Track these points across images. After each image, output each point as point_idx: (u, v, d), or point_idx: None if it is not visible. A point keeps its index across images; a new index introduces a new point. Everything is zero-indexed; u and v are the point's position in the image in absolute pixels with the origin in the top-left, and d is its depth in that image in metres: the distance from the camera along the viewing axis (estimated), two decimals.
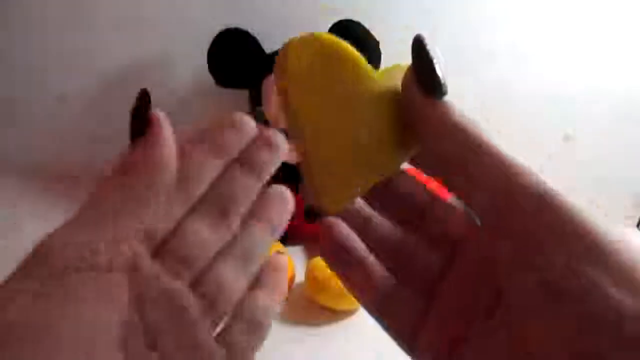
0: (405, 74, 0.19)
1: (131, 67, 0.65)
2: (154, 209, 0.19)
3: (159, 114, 0.20)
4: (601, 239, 0.15)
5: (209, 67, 0.57)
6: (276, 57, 0.20)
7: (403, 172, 0.22)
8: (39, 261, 0.18)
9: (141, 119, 0.20)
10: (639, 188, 0.76)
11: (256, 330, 0.22)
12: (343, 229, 0.22)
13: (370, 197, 0.22)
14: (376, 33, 0.58)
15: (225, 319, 0.22)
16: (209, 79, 0.58)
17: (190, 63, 0.62)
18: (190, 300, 0.20)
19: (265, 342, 0.22)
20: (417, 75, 0.19)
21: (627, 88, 0.69)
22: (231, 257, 0.21)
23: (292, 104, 0.19)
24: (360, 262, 0.22)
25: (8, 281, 0.17)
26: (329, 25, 0.58)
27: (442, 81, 0.19)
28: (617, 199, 0.76)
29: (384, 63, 0.58)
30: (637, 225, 0.77)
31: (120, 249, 0.18)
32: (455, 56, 0.67)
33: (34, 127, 0.69)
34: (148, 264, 0.19)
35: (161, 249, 0.20)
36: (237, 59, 0.57)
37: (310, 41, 0.20)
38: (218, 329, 0.21)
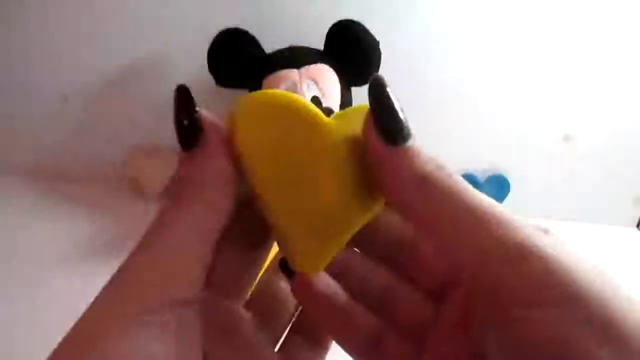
0: (365, 120, 0.17)
1: (131, 67, 0.65)
2: (211, 245, 0.17)
3: (211, 119, 0.18)
4: (584, 292, 0.14)
5: (209, 67, 0.57)
6: (226, 122, 0.19)
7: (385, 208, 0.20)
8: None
9: (190, 127, 0.17)
10: (639, 188, 0.76)
11: (318, 342, 0.21)
12: (321, 279, 0.20)
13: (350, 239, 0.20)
14: (376, 33, 0.58)
15: (285, 333, 0.21)
16: (209, 79, 0.58)
17: (190, 63, 0.62)
18: (245, 316, 0.19)
19: None
20: (376, 121, 0.17)
21: (626, 87, 0.69)
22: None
23: (247, 170, 0.18)
24: (342, 310, 0.20)
25: None
26: (329, 25, 0.58)
27: (404, 124, 0.17)
28: (617, 199, 0.76)
29: (384, 63, 0.58)
30: (637, 225, 0.77)
31: (172, 296, 0.16)
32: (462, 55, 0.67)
33: (34, 127, 0.69)
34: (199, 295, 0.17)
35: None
36: (237, 59, 0.57)
37: (256, 104, 0.19)
38: (279, 345, 0.21)
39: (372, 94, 0.17)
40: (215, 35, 0.56)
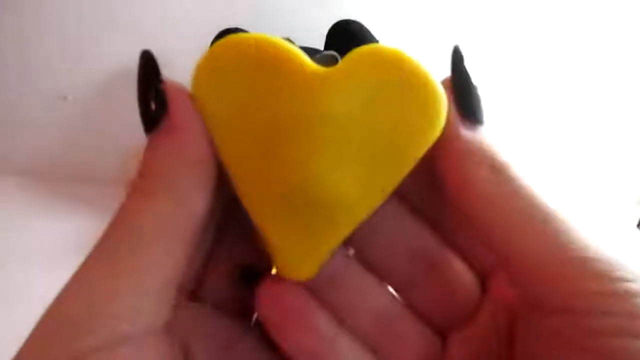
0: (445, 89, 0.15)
1: (131, 67, 0.65)
2: (191, 242, 0.14)
3: (178, 87, 0.14)
4: None
5: None
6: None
7: (395, 202, 0.16)
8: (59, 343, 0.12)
9: (155, 99, 0.14)
10: (639, 188, 0.76)
11: None
12: (297, 296, 0.15)
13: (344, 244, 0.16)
14: (376, 33, 0.58)
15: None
16: None
17: (190, 63, 0.62)
18: (247, 330, 0.16)
19: None
20: (458, 93, 0.15)
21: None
22: None
23: (217, 150, 0.14)
24: (325, 342, 0.15)
25: None
26: (329, 25, 0.58)
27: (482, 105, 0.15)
28: (618, 199, 0.76)
29: None
30: (638, 225, 0.77)
31: (147, 310, 0.13)
32: None
33: (34, 127, 0.69)
34: (185, 312, 0.15)
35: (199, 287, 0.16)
36: None
37: (218, 58, 0.14)
38: None
39: (454, 65, 0.15)
40: (215, 35, 0.56)
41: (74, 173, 0.71)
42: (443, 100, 0.14)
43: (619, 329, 0.12)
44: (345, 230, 0.15)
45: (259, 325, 0.16)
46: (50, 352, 0.12)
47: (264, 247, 0.16)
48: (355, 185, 0.14)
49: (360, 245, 0.16)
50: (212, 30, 0.56)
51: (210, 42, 0.56)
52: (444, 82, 0.15)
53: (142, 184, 0.14)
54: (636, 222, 0.77)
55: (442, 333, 0.16)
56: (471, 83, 0.15)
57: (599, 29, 0.66)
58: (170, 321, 0.14)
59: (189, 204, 0.14)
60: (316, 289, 0.16)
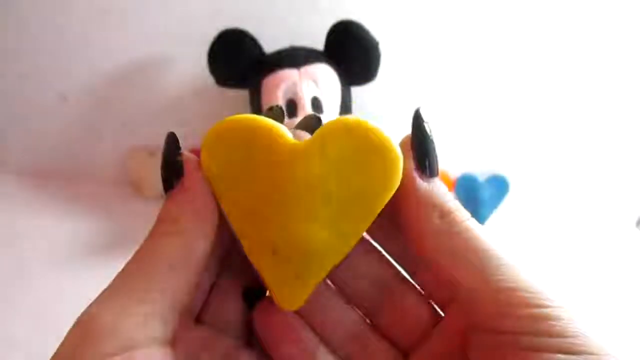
0: (403, 145, 0.18)
1: (131, 67, 0.65)
2: (196, 276, 0.17)
3: (191, 158, 0.18)
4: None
5: (209, 67, 0.57)
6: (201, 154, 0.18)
7: (364, 242, 0.20)
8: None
9: (172, 169, 0.18)
10: (639, 188, 0.76)
11: None
12: (285, 315, 0.20)
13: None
14: (376, 33, 0.58)
15: None
16: (209, 79, 0.58)
17: (190, 63, 0.62)
18: (246, 350, 0.20)
19: None
20: (416, 150, 0.18)
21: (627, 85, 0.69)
22: None
23: (221, 204, 0.18)
24: (308, 353, 0.20)
25: None
26: (329, 25, 0.58)
27: (437, 159, 0.18)
28: (617, 199, 0.76)
29: (384, 63, 0.58)
30: (637, 225, 0.77)
31: (154, 329, 0.16)
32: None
33: (34, 127, 0.69)
34: (191, 333, 0.18)
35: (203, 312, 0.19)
36: (237, 59, 0.57)
37: (219, 133, 0.18)
38: None
39: (415, 127, 0.18)
40: (215, 35, 0.56)
41: (74, 173, 0.71)
42: (400, 162, 0.17)
43: (542, 346, 0.15)
44: (326, 270, 0.18)
45: (258, 343, 0.20)
46: (79, 354, 0.15)
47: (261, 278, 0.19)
48: (332, 234, 0.17)
49: (334, 274, 0.19)
50: (212, 31, 0.56)
51: (210, 42, 0.57)
52: (404, 139, 0.18)
53: (159, 227, 0.18)
54: (635, 222, 0.77)
55: (404, 352, 0.20)
56: (429, 142, 0.18)
57: (596, 28, 0.66)
58: (177, 338, 0.17)
59: (192, 243, 0.17)
60: (300, 310, 0.19)
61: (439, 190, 0.18)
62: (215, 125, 0.18)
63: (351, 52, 0.58)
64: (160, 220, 0.18)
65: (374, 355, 0.20)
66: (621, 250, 0.71)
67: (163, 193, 0.18)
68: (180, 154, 0.18)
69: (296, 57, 0.57)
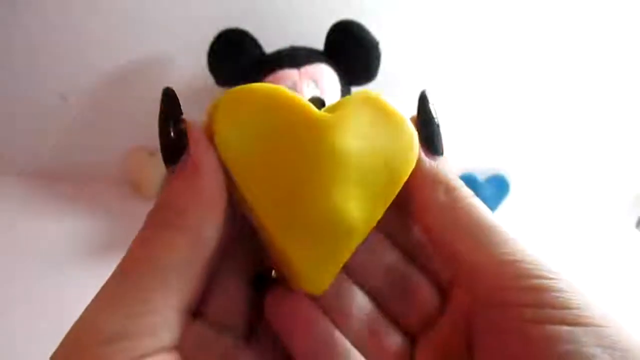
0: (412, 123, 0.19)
1: (131, 67, 0.65)
2: (200, 271, 0.16)
3: (197, 127, 0.16)
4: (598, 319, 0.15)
5: (209, 67, 0.57)
6: (204, 127, 0.16)
7: (372, 234, 0.18)
8: None
9: (175, 131, 0.15)
10: (639, 188, 0.76)
11: None
12: (301, 300, 0.18)
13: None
14: (376, 33, 0.58)
15: None
16: (209, 79, 0.58)
17: (190, 63, 0.62)
18: (246, 345, 0.18)
19: None
20: (422, 128, 0.19)
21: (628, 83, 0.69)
22: None
23: (234, 181, 0.16)
24: (324, 343, 0.18)
25: None
26: (329, 25, 0.58)
27: (442, 138, 0.19)
28: (617, 199, 0.76)
29: (384, 63, 0.58)
30: (637, 226, 0.77)
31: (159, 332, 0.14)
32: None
33: (34, 127, 0.69)
34: (190, 329, 0.16)
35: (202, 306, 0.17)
36: (237, 59, 0.57)
37: (233, 102, 0.16)
38: None
39: (420, 106, 0.19)
40: (215, 35, 0.56)
41: (73, 173, 0.71)
42: (415, 135, 0.18)
43: (546, 318, 0.15)
44: (351, 249, 0.17)
45: (259, 338, 0.19)
46: (79, 354, 0.14)
47: (275, 266, 0.18)
48: (362, 208, 0.17)
49: (347, 262, 0.18)
50: (212, 31, 0.56)
51: (210, 42, 0.57)
52: (411, 120, 0.19)
53: (158, 216, 0.15)
54: (635, 222, 0.77)
55: (411, 336, 0.19)
56: (434, 122, 0.19)
57: (596, 26, 0.66)
58: (180, 338, 0.15)
59: (200, 239, 0.15)
60: (315, 296, 0.18)
61: (444, 167, 0.18)
62: (232, 90, 0.16)
63: (351, 52, 0.58)
64: (162, 207, 0.15)
65: (385, 342, 0.19)
66: (621, 251, 0.71)
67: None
68: (183, 119, 0.16)
69: (296, 57, 0.57)
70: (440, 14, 0.64)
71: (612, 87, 0.69)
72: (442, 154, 0.19)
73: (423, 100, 0.19)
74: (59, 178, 0.70)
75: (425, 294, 0.20)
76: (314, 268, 0.17)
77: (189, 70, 0.64)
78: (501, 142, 0.72)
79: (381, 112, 0.17)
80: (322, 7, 0.62)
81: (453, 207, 0.17)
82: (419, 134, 0.18)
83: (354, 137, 0.17)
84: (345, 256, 0.17)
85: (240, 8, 0.62)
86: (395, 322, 0.20)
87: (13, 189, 0.68)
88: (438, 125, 0.19)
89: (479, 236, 0.17)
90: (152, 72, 0.65)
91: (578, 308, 0.15)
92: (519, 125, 0.71)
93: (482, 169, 0.73)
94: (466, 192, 0.18)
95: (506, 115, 0.71)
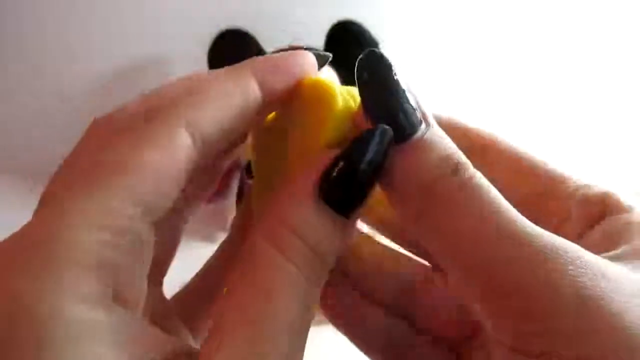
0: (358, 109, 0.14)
1: (131, 67, 0.65)
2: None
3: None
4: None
5: (209, 67, 0.57)
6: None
7: (384, 247, 0.17)
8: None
9: None
10: (638, 187, 0.76)
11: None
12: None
13: (350, 280, 0.17)
14: (376, 33, 0.58)
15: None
16: None
17: (190, 63, 0.62)
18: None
19: None
20: (366, 106, 0.14)
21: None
22: None
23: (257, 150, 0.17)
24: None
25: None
26: (329, 26, 0.58)
27: (407, 110, 0.13)
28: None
29: None
30: None
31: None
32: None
33: (34, 127, 0.69)
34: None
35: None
36: (237, 59, 0.57)
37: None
38: None
39: (359, 70, 0.14)
40: (215, 35, 0.57)
41: None
42: (330, 96, 0.16)
43: None
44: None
45: None
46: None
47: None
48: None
49: (363, 283, 0.17)
50: (212, 31, 0.56)
51: (210, 42, 0.57)
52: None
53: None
54: None
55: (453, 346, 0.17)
56: (386, 88, 0.14)
57: (594, 24, 0.66)
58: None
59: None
60: (339, 322, 0.17)
61: (417, 153, 0.13)
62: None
63: (351, 52, 0.58)
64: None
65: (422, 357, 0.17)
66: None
67: None
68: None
69: None
70: (441, 14, 0.64)
71: (611, 84, 0.69)
72: (411, 131, 0.13)
73: (367, 60, 0.14)
74: None
75: (447, 298, 0.17)
76: None
77: (189, 70, 0.64)
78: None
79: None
80: (322, 7, 0.62)
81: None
82: (366, 115, 0.14)
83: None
84: None
85: (240, 8, 0.62)
86: (429, 333, 0.17)
87: (13, 188, 0.68)
88: (389, 90, 0.13)
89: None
90: (151, 72, 0.65)
91: None
92: (519, 125, 0.71)
93: None
94: (463, 177, 0.12)
95: (506, 115, 0.71)
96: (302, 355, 0.12)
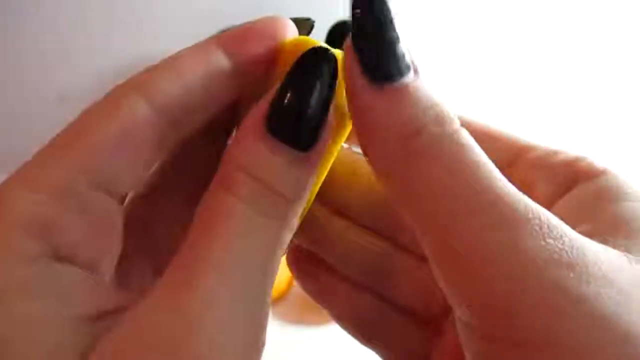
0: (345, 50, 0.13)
1: (131, 67, 0.65)
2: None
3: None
4: None
5: None
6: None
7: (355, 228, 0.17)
8: None
9: None
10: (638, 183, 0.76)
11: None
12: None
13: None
14: None
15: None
16: None
17: None
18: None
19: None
20: (355, 46, 0.13)
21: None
22: None
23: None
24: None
25: None
26: (329, 26, 0.58)
27: (397, 53, 0.12)
28: None
29: None
30: None
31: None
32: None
33: (34, 127, 0.69)
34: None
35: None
36: None
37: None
38: None
39: (354, 2, 0.12)
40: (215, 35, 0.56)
41: None
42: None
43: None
44: None
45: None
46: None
47: None
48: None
49: (336, 262, 0.18)
50: (212, 30, 0.56)
51: None
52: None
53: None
54: None
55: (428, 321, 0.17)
56: (378, 28, 0.13)
57: (594, 23, 0.66)
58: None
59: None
60: (312, 295, 0.18)
61: (402, 99, 0.12)
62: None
63: None
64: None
65: (399, 337, 0.17)
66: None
67: None
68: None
69: None
70: (441, 15, 0.64)
71: (610, 83, 0.69)
72: (399, 75, 0.12)
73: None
74: None
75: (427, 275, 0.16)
76: None
77: None
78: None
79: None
80: (322, 6, 0.62)
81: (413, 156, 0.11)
82: (354, 55, 0.13)
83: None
84: None
85: (239, 7, 0.62)
86: (406, 309, 0.17)
87: None
88: (381, 31, 0.12)
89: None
90: None
91: None
92: (519, 124, 0.71)
93: None
94: (448, 128, 0.11)
95: (506, 114, 0.71)
96: (263, 292, 0.12)
